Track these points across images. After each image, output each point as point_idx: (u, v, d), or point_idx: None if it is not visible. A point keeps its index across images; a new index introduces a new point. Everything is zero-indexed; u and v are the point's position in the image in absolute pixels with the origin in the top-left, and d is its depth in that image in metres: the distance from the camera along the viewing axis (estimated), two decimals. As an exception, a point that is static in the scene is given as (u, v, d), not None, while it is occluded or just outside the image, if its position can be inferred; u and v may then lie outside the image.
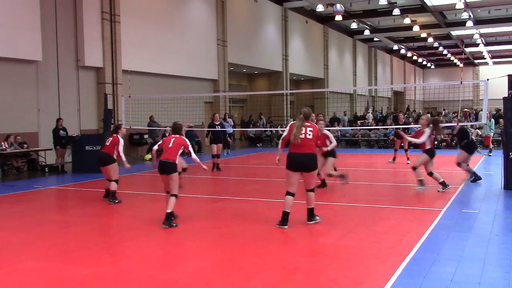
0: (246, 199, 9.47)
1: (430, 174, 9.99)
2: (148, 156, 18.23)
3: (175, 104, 18.00)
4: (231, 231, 7.13)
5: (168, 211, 7.24)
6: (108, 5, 17.98)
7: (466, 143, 11.16)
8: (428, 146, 9.92)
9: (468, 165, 11.17)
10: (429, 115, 10.05)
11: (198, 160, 7.68)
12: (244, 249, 6.07)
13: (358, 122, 28.36)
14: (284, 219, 7.07)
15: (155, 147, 7.96)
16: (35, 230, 7.30)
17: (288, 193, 7.07)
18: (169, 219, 7.20)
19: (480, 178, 11.29)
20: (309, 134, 6.96)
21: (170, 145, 7.51)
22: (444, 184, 9.89)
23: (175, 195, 7.40)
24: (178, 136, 7.73)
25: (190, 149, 7.62)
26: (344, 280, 4.87)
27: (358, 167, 14.88)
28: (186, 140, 7.68)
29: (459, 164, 11.24)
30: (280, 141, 7.39)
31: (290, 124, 7.31)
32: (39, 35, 15.31)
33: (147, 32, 19.86)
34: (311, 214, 7.25)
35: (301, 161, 6.95)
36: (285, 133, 7.21)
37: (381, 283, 4.74)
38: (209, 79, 24.10)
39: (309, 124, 7.14)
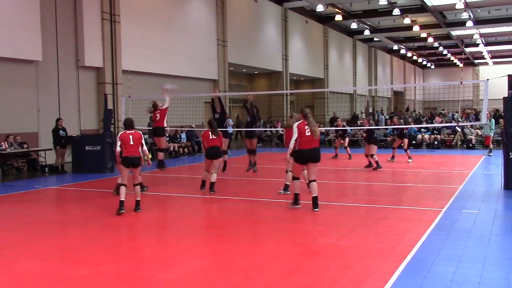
0: (246, 199, 9.47)
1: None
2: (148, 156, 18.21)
3: (175, 104, 17.93)
4: (231, 231, 7.13)
5: (139, 198, 8.26)
6: (108, 5, 17.97)
7: (375, 138, 14.35)
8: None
9: (374, 155, 14.00)
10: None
11: (147, 153, 8.72)
12: (244, 249, 6.07)
13: (358, 122, 28.35)
14: (297, 199, 8.31)
15: (118, 148, 8.45)
16: (35, 230, 7.30)
17: (296, 178, 8.29)
18: (139, 205, 8.24)
19: (380, 167, 13.90)
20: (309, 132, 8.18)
21: (131, 142, 8.23)
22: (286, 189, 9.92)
23: (138, 184, 8.48)
24: (133, 131, 8.39)
25: (143, 141, 8.53)
26: (344, 280, 4.87)
27: (358, 167, 14.88)
28: (141, 133, 8.54)
29: (371, 156, 14.01)
30: (293, 141, 8.22)
31: (295, 126, 8.21)
32: (39, 35, 15.30)
33: (147, 32, 19.85)
34: (316, 202, 8.18)
35: (313, 154, 8.12)
36: (295, 136, 8.12)
37: (381, 283, 4.74)
38: (209, 79, 24.09)
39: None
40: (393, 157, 16.10)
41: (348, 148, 17.56)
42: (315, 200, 8.18)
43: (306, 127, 8.11)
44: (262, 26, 28.11)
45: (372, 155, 14.02)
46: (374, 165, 13.99)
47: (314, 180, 8.20)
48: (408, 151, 16.09)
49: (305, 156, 8.12)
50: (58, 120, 15.28)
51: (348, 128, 18.96)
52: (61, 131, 14.91)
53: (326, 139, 23.26)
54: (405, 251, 5.73)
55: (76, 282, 4.95)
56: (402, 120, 25.11)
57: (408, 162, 15.74)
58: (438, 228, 6.89)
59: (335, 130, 17.83)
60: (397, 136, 16.63)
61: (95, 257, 5.81)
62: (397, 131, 16.50)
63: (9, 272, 5.31)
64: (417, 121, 26.64)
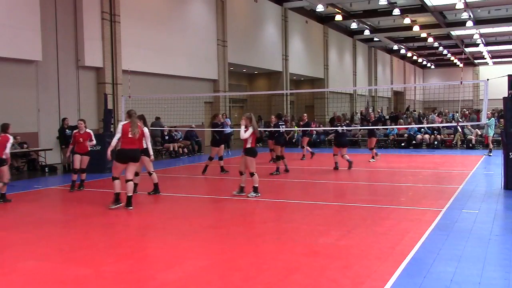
0: (246, 199, 9.47)
1: (251, 174, 9.62)
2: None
3: (175, 104, 18.00)
4: (231, 231, 7.13)
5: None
6: (108, 5, 17.96)
7: (343, 139, 14.17)
8: (248, 145, 9.63)
9: (345, 155, 13.96)
10: (248, 113, 9.81)
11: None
12: (244, 249, 6.07)
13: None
14: (117, 200, 8.69)
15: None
16: (35, 230, 7.30)
17: (117, 178, 8.68)
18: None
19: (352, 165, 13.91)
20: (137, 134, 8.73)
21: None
22: (256, 190, 9.63)
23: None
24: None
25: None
26: (344, 280, 4.87)
27: (358, 167, 14.89)
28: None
29: (342, 156, 13.94)
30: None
31: (122, 124, 8.77)
32: (39, 35, 15.30)
33: (147, 32, 19.85)
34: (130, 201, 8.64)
35: (131, 155, 8.69)
36: (118, 135, 8.71)
37: (381, 283, 4.74)
38: (209, 79, 24.09)
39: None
40: (373, 156, 16.29)
41: (307, 147, 17.62)
42: (129, 199, 8.64)
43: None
44: (262, 26, 28.10)
45: (343, 155, 13.95)
46: (346, 164, 13.89)
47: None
48: (374, 150, 16.37)
49: (124, 155, 8.71)
50: (64, 119, 15.31)
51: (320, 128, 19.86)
52: (67, 131, 14.95)
53: (326, 139, 23.32)
54: (405, 251, 5.73)
55: (76, 282, 4.95)
56: (405, 120, 25.10)
57: (370, 161, 15.98)
58: (438, 228, 6.89)
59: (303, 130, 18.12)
60: (367, 136, 17.09)
61: (95, 257, 5.81)
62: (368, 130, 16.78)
63: (9, 272, 5.31)
64: (417, 121, 26.62)
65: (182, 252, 6.04)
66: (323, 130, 23.38)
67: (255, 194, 9.59)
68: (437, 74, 62.40)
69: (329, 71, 36.08)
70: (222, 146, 13.91)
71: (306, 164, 16.02)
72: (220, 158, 13.75)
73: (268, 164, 15.77)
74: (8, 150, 9.49)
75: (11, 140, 9.65)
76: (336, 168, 14.07)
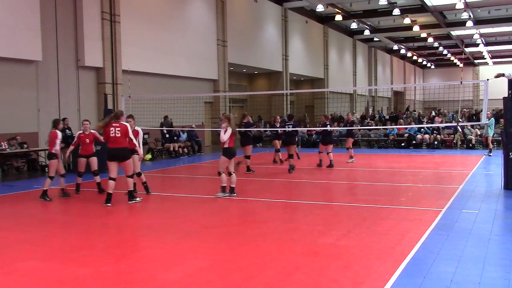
0: (246, 199, 9.47)
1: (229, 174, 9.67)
2: (148, 156, 18.24)
3: (175, 104, 18.01)
4: (231, 231, 7.13)
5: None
6: (108, 5, 17.97)
7: (329, 138, 14.94)
8: (226, 146, 9.55)
9: (330, 153, 14.64)
10: (227, 113, 9.80)
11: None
12: (244, 249, 6.07)
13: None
14: (109, 200, 8.97)
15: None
16: (35, 230, 7.30)
17: (113, 179, 8.97)
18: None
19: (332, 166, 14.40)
20: (118, 133, 8.93)
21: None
22: (224, 190, 9.60)
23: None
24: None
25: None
26: (344, 280, 4.87)
27: (357, 167, 14.90)
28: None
29: (327, 153, 14.54)
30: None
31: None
32: (39, 35, 15.30)
33: (147, 32, 19.86)
34: (131, 195, 9.18)
35: (116, 154, 8.95)
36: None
37: (381, 283, 4.74)
38: (209, 79, 24.10)
39: (117, 124, 8.98)
40: (351, 156, 16.15)
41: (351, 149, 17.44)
42: (130, 193, 9.11)
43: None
44: (262, 26, 28.11)
45: (328, 153, 14.53)
46: (328, 162, 14.44)
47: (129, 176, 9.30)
48: (351, 150, 16.22)
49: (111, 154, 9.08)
50: (64, 119, 15.30)
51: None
52: (67, 131, 14.96)
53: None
54: (405, 251, 5.73)
55: (76, 282, 4.95)
56: (405, 120, 25.11)
57: (348, 162, 15.82)
58: (438, 228, 6.89)
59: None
60: (346, 136, 17.12)
61: (95, 257, 5.81)
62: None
63: (9, 272, 5.31)
64: (418, 121, 26.64)
65: (182, 252, 6.04)
66: (311, 129, 23.63)
67: (222, 194, 9.58)
68: (437, 74, 62.44)
69: (329, 71, 36.09)
70: (251, 145, 13.97)
71: (305, 164, 16.02)
72: (247, 157, 13.74)
73: (269, 164, 15.77)
74: (58, 147, 9.79)
75: (60, 136, 9.86)
76: (319, 165, 14.56)
